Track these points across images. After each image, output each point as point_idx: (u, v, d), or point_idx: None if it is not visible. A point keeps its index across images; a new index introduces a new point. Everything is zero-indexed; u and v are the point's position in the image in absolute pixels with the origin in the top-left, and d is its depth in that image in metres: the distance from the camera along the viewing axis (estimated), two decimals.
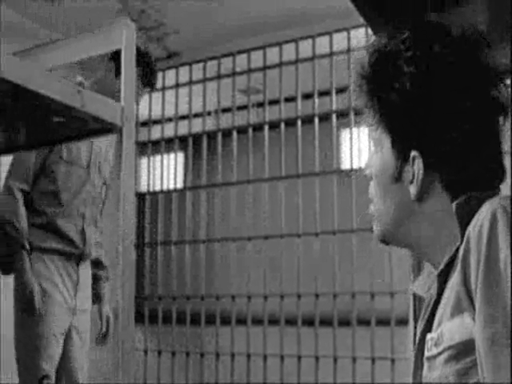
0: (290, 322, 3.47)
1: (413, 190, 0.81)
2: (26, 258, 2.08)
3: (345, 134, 3.78)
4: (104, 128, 1.07)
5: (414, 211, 0.82)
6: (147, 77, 2.32)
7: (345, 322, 3.33)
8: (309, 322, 3.42)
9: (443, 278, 0.78)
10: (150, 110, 4.00)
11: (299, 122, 3.54)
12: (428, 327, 0.80)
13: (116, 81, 2.23)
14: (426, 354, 0.78)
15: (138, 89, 2.28)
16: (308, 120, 3.56)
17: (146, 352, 3.84)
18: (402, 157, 0.82)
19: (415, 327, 0.89)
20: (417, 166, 0.80)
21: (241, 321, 3.58)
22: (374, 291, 3.27)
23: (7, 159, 2.21)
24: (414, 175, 0.81)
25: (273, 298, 3.50)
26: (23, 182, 2.16)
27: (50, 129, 1.11)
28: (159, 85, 3.98)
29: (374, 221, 0.89)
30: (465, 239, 0.71)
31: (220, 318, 3.65)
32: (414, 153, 0.80)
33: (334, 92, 3.38)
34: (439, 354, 0.74)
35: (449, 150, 0.79)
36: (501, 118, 0.82)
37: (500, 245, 0.65)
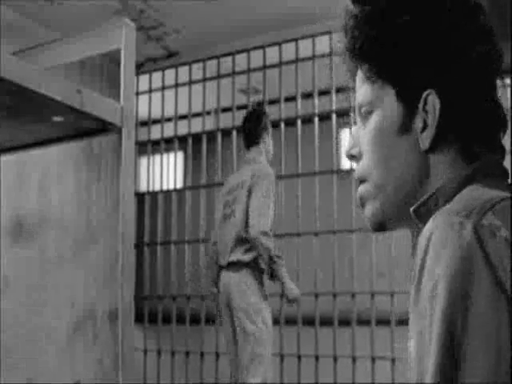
0: (290, 321, 3.47)
1: (425, 136, 0.73)
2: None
3: (345, 134, 3.79)
4: (104, 128, 1.07)
5: (424, 164, 0.74)
6: None
7: (345, 322, 3.33)
8: (309, 322, 3.42)
9: None
10: (150, 109, 3.99)
11: (299, 122, 3.54)
12: None
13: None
14: None
15: None
16: (308, 120, 3.56)
17: (145, 352, 3.84)
18: (411, 104, 0.74)
19: None
20: (431, 105, 0.72)
21: None
22: (374, 291, 3.27)
23: (7, 159, 2.21)
24: (425, 121, 0.73)
25: (273, 298, 3.50)
26: None
27: (49, 129, 1.11)
28: (159, 85, 3.99)
29: (367, 202, 0.80)
30: (417, 251, 0.66)
31: (220, 318, 3.65)
32: (427, 91, 0.73)
33: (333, 92, 3.38)
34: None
35: (463, 85, 0.72)
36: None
37: (426, 269, 0.62)
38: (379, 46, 0.76)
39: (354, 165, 0.82)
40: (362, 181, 0.80)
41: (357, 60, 0.79)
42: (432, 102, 0.73)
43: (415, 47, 0.74)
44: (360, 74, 0.81)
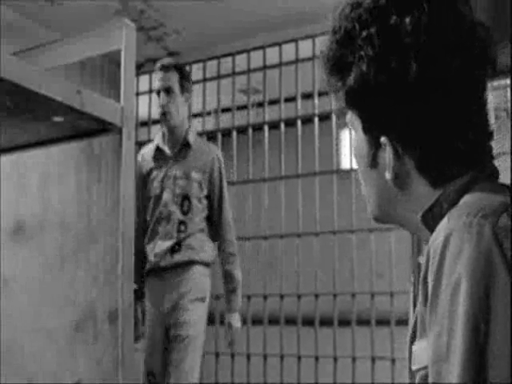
0: (290, 321, 3.47)
1: (388, 176, 0.76)
2: None
3: (345, 134, 3.79)
4: (104, 128, 1.07)
5: (396, 197, 0.78)
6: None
7: (345, 322, 3.33)
8: (309, 322, 3.42)
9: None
10: (150, 109, 3.99)
11: (299, 122, 3.54)
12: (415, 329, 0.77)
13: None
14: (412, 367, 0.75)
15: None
16: (308, 120, 3.56)
17: None
18: (374, 142, 0.76)
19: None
20: (387, 152, 0.75)
21: (241, 321, 3.57)
22: (374, 291, 3.27)
23: (7, 159, 2.21)
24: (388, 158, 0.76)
25: (273, 297, 3.50)
26: None
27: (49, 129, 1.11)
28: None
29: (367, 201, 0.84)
30: (425, 256, 0.67)
31: (220, 318, 3.65)
32: (383, 139, 0.75)
33: None
34: (417, 371, 0.72)
35: (417, 133, 0.73)
36: (483, 93, 0.76)
37: (445, 270, 0.62)
38: (347, 88, 0.76)
39: (355, 165, 0.84)
40: None
41: (333, 79, 0.80)
42: (387, 150, 0.75)
43: (374, 99, 0.74)
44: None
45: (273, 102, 3.73)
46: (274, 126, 3.65)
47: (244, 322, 3.55)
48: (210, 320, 3.72)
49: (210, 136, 3.90)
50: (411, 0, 0.73)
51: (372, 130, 0.76)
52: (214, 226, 2.63)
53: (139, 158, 2.69)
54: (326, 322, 3.37)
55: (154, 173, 2.61)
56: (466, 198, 0.71)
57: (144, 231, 2.62)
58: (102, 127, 1.06)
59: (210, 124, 4.05)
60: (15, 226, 3.18)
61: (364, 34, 0.73)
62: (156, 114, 4.02)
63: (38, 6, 3.30)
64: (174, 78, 2.59)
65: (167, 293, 2.55)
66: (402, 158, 0.75)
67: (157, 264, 2.56)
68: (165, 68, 2.60)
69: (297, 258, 3.42)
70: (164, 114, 2.60)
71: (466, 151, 0.75)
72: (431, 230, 0.70)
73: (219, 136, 3.79)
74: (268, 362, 3.43)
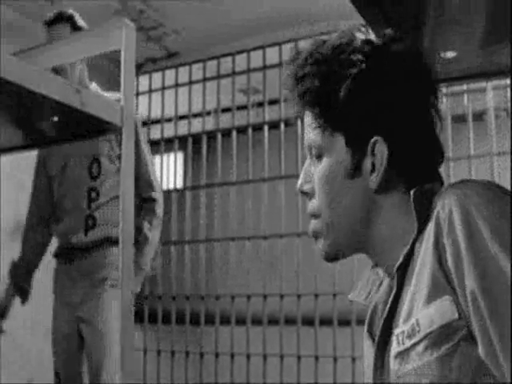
0: (290, 321, 3.47)
1: (374, 178, 0.80)
2: None
3: None
4: (104, 128, 1.07)
5: (373, 205, 0.82)
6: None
7: (345, 322, 3.33)
8: (309, 322, 3.42)
9: (402, 271, 0.78)
10: (150, 109, 3.99)
11: (299, 122, 3.54)
12: (389, 325, 0.79)
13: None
14: (396, 349, 0.76)
15: None
16: None
17: (145, 352, 3.83)
18: (359, 150, 0.81)
19: (369, 331, 0.89)
20: (379, 150, 0.79)
21: (240, 321, 3.58)
22: None
23: (7, 159, 2.21)
24: (374, 164, 0.80)
25: (272, 297, 3.50)
26: None
27: (49, 129, 1.11)
28: (159, 85, 3.99)
29: (320, 237, 0.88)
30: (433, 223, 0.72)
31: (220, 318, 3.65)
32: (375, 138, 0.79)
33: None
34: (415, 344, 0.73)
35: (405, 135, 0.80)
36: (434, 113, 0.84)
37: (478, 222, 0.68)
38: (329, 99, 0.82)
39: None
40: (314, 215, 0.87)
41: (306, 107, 0.86)
42: (379, 148, 0.79)
43: (362, 100, 0.80)
44: (308, 115, 0.87)
45: (273, 102, 3.73)
46: (273, 125, 3.65)
47: (244, 321, 3.56)
48: (210, 320, 3.73)
49: (210, 136, 3.90)
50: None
51: (359, 138, 0.81)
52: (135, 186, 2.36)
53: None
54: (325, 321, 3.37)
55: None
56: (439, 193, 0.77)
57: (45, 219, 2.27)
58: (102, 127, 1.06)
59: (209, 124, 4.05)
60: (15, 226, 3.18)
61: (343, 57, 0.82)
62: (156, 113, 4.03)
63: (37, 6, 3.30)
64: (65, 32, 2.16)
65: (78, 281, 2.17)
66: (391, 163, 0.79)
67: (65, 245, 2.19)
68: (54, 20, 2.18)
69: (297, 258, 3.42)
70: (57, 71, 2.14)
71: (435, 158, 0.84)
72: (418, 213, 0.76)
73: (219, 136, 3.79)
74: (268, 361, 3.43)
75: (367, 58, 0.81)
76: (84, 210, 2.17)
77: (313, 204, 0.86)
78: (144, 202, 2.30)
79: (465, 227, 0.68)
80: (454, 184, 0.76)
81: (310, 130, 0.86)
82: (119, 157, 2.24)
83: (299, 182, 0.88)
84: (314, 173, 0.86)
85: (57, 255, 2.25)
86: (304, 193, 0.88)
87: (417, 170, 0.81)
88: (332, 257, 0.90)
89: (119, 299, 2.27)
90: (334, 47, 0.83)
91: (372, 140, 0.79)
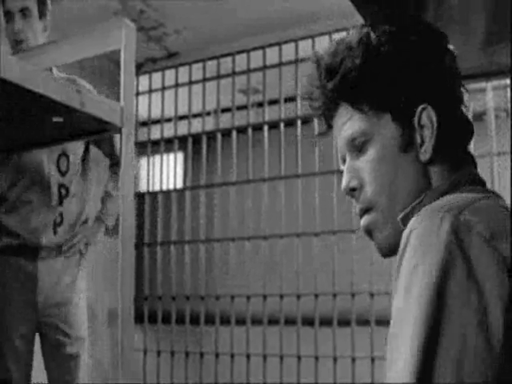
0: (290, 321, 3.47)
1: (425, 148, 0.80)
2: None
3: None
4: (104, 128, 1.07)
5: (423, 178, 0.81)
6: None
7: (344, 322, 3.33)
8: (308, 322, 3.42)
9: None
10: (150, 110, 3.99)
11: (299, 122, 3.54)
12: None
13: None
14: None
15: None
16: (308, 120, 3.56)
17: (145, 352, 3.83)
18: (408, 122, 0.81)
19: None
20: (427, 118, 0.80)
21: (240, 321, 3.58)
22: (374, 291, 3.27)
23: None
24: (422, 136, 0.80)
25: (272, 297, 3.50)
26: None
27: (49, 129, 1.11)
28: (159, 85, 3.99)
29: (376, 231, 0.84)
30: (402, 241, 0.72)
31: (220, 318, 3.65)
32: (421, 106, 0.80)
33: None
34: None
35: (449, 100, 0.82)
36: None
37: (406, 255, 0.67)
38: (372, 77, 0.81)
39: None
40: (366, 210, 0.83)
41: (343, 98, 0.84)
42: (427, 115, 0.79)
43: (403, 71, 0.81)
44: (343, 110, 0.85)
45: (273, 102, 3.73)
46: (273, 125, 3.65)
47: (243, 322, 3.56)
48: (210, 320, 3.73)
49: (210, 136, 3.90)
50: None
51: (405, 110, 0.81)
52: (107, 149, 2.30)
53: None
54: (325, 321, 3.37)
55: None
56: (441, 198, 0.76)
57: None
58: (101, 127, 1.06)
59: (209, 124, 4.05)
60: None
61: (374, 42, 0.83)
62: (156, 113, 4.04)
63: None
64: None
65: (46, 281, 2.08)
66: (438, 132, 0.80)
67: (34, 243, 2.07)
68: None
69: (296, 258, 3.42)
70: (20, 41, 1.97)
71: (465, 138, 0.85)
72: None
73: (219, 136, 3.79)
74: (268, 362, 3.43)
75: (398, 33, 0.82)
76: (53, 207, 2.09)
77: (364, 195, 0.83)
78: (115, 165, 2.30)
79: (400, 258, 0.69)
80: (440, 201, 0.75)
81: (347, 124, 0.84)
82: (109, 154, 2.28)
83: (345, 180, 0.85)
84: (359, 165, 0.83)
85: (12, 249, 2.07)
86: (352, 190, 0.85)
87: (460, 139, 0.82)
88: (392, 248, 0.83)
89: (87, 265, 2.17)
90: (361, 33, 0.83)
91: (419, 109, 0.80)
